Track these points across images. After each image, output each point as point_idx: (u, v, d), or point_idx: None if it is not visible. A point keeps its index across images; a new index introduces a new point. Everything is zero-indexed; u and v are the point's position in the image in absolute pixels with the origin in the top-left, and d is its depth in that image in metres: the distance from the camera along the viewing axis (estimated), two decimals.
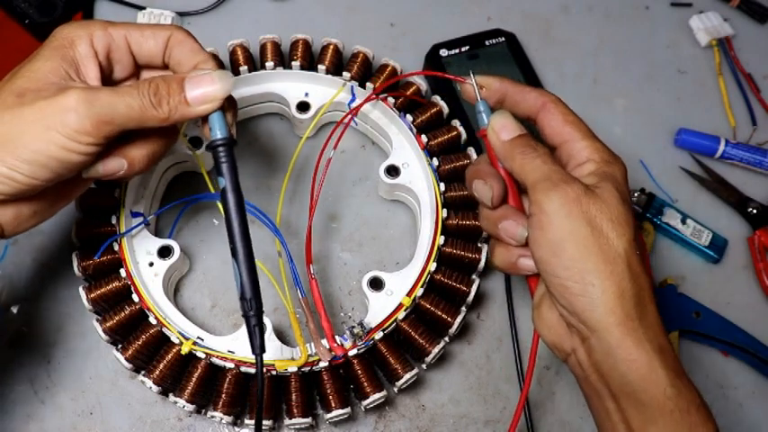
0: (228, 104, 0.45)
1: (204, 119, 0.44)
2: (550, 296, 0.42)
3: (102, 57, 0.44)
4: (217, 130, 0.43)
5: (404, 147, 0.62)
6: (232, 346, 0.52)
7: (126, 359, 0.52)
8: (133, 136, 0.44)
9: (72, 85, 0.41)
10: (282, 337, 0.56)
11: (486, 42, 0.70)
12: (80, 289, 0.54)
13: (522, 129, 0.45)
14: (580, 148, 0.43)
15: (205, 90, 0.42)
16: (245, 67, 0.63)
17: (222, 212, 0.44)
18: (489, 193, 0.44)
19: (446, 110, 0.63)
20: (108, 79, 0.46)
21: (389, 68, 0.64)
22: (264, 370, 0.51)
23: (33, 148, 0.39)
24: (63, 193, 0.46)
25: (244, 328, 0.53)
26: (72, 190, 0.47)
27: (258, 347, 0.44)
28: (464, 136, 0.62)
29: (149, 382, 0.51)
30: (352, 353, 0.52)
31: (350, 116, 0.62)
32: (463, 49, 0.69)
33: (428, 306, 0.55)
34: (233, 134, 0.45)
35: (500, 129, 0.44)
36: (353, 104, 0.63)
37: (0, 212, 0.42)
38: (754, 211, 0.67)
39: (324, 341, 0.52)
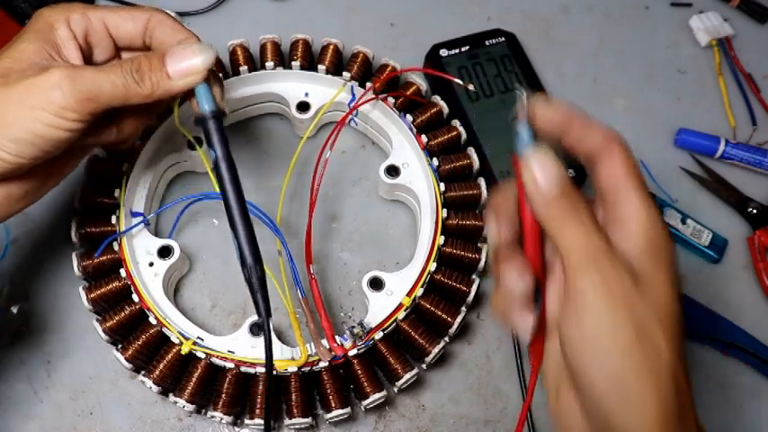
0: (214, 79, 0.45)
1: (192, 94, 0.44)
2: (570, 383, 0.36)
3: (81, 39, 0.44)
4: (204, 102, 0.43)
5: (404, 147, 0.62)
6: (232, 346, 0.52)
7: (126, 359, 0.52)
8: (120, 110, 0.44)
9: (55, 65, 0.41)
10: (282, 337, 0.56)
11: (486, 42, 0.70)
12: (80, 289, 0.54)
13: (566, 178, 0.37)
14: (634, 213, 0.35)
15: (186, 63, 0.43)
16: (245, 67, 0.63)
17: (216, 185, 0.45)
18: (496, 238, 0.38)
19: (446, 110, 0.63)
20: (89, 61, 0.46)
21: (389, 68, 0.64)
22: (264, 369, 0.51)
23: (19, 126, 0.39)
24: (52, 171, 0.46)
25: (244, 328, 0.53)
26: (61, 168, 0.46)
27: (264, 312, 0.44)
28: (464, 136, 0.62)
29: (149, 382, 0.51)
30: (352, 353, 0.52)
31: (345, 116, 0.62)
32: (463, 49, 0.69)
33: (428, 306, 0.55)
34: (222, 107, 0.45)
35: (539, 173, 0.37)
36: (357, 106, 0.63)
37: None
38: (754, 211, 0.67)
39: (324, 341, 0.52)
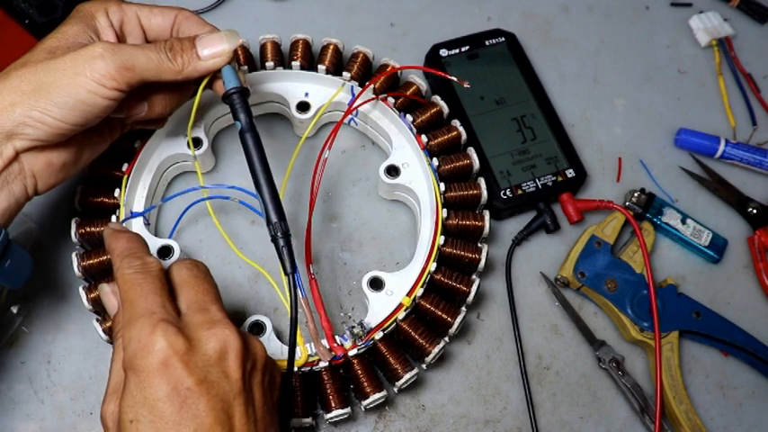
0: (237, 63, 0.52)
1: (216, 75, 0.50)
2: None
3: (117, 28, 0.50)
4: (230, 81, 0.50)
5: (404, 147, 0.62)
6: None
7: None
8: (152, 88, 0.50)
9: (97, 41, 0.47)
10: (282, 337, 0.56)
11: (486, 42, 0.70)
12: (80, 289, 0.54)
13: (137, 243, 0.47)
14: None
15: (214, 47, 0.49)
16: (245, 67, 0.63)
17: (243, 151, 0.50)
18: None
19: (446, 110, 0.63)
20: None
21: (389, 68, 0.64)
22: None
23: (64, 92, 0.44)
24: (89, 143, 0.50)
25: (244, 328, 0.53)
26: (97, 143, 0.51)
27: (290, 266, 0.47)
28: (464, 136, 0.62)
29: None
30: (352, 353, 0.52)
31: (345, 116, 0.62)
32: (463, 49, 0.69)
33: (428, 306, 0.55)
34: (244, 84, 0.51)
35: (113, 245, 0.46)
36: (353, 104, 0.63)
37: (33, 161, 0.46)
38: (754, 211, 0.67)
39: (324, 341, 0.52)
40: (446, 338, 0.55)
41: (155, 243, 0.56)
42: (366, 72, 0.65)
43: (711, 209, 0.68)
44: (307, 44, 0.65)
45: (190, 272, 0.45)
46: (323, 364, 0.52)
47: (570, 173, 0.64)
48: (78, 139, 0.48)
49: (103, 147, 0.52)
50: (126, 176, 0.58)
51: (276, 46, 0.65)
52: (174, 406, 0.38)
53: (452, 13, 0.75)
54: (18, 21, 0.70)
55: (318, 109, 0.63)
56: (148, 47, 0.47)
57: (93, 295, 0.54)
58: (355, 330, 0.53)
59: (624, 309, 0.60)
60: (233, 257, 0.61)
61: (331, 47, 0.64)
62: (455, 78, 0.60)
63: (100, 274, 0.55)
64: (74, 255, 0.55)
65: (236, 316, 0.59)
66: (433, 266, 0.56)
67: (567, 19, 0.76)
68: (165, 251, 0.56)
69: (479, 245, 0.58)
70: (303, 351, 0.52)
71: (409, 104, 0.63)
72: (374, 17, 0.74)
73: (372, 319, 0.54)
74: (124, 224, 0.57)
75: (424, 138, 0.61)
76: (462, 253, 0.57)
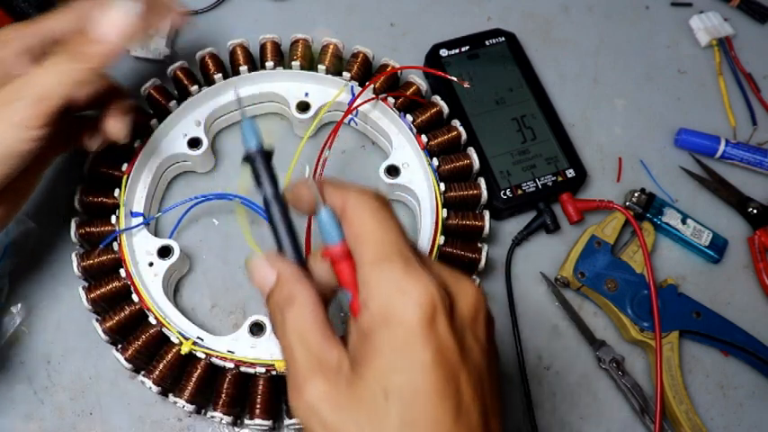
0: (124, 107, 0.48)
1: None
2: None
3: (29, 52, 0.46)
4: (249, 138, 0.39)
5: (404, 147, 0.62)
6: (232, 346, 0.52)
7: (126, 359, 0.52)
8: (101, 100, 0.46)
9: (8, 81, 0.42)
10: None
11: (486, 42, 0.70)
12: (80, 289, 0.54)
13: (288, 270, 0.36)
14: (364, 282, 0.33)
15: (105, 19, 0.42)
16: (245, 67, 0.63)
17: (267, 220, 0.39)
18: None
19: (446, 110, 0.63)
20: None
21: (389, 68, 0.64)
22: (264, 369, 0.51)
23: None
24: (20, 190, 0.47)
25: (244, 328, 0.53)
26: (26, 188, 0.48)
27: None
28: (464, 136, 0.62)
29: (149, 383, 0.51)
30: None
31: (345, 116, 0.62)
32: (463, 49, 0.69)
33: None
34: (264, 142, 0.39)
35: (261, 279, 0.36)
36: (352, 104, 0.63)
37: None
38: (755, 211, 0.67)
39: None
40: None
41: (154, 243, 0.56)
42: (366, 72, 0.65)
43: (711, 209, 0.68)
44: (307, 44, 0.65)
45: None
46: None
47: (570, 173, 0.64)
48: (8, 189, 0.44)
49: (36, 185, 0.49)
50: (126, 176, 0.58)
51: (276, 46, 0.64)
52: (439, 377, 0.31)
53: (452, 13, 0.75)
54: (18, 21, 0.70)
55: (319, 109, 0.63)
56: (50, 63, 0.41)
57: (92, 295, 0.54)
58: None
59: (624, 309, 0.60)
60: (233, 258, 0.61)
61: (331, 47, 0.64)
62: (455, 78, 0.60)
63: (100, 274, 0.55)
64: (74, 255, 0.55)
65: (237, 316, 0.59)
66: None
67: (567, 19, 0.76)
68: (164, 251, 0.56)
69: (479, 245, 0.58)
70: None
71: (409, 104, 0.63)
72: (374, 17, 0.74)
73: None
74: (123, 224, 0.57)
75: (424, 138, 0.61)
76: (462, 253, 0.57)
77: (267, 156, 0.39)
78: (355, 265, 0.34)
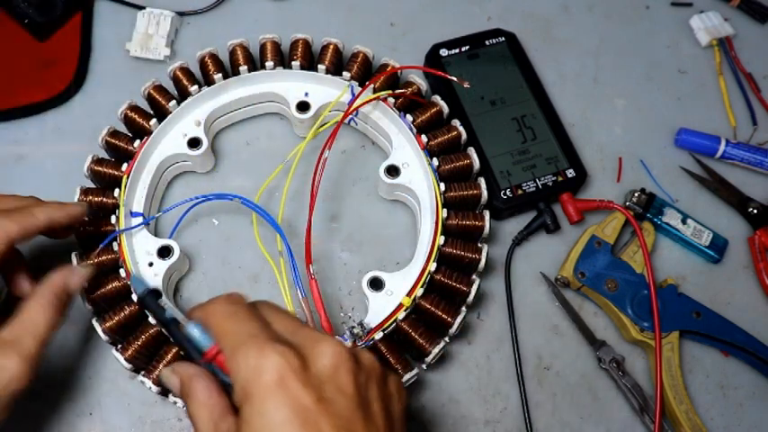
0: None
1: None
2: None
3: None
4: (136, 287, 0.48)
5: (404, 147, 0.62)
6: None
7: (126, 359, 0.52)
8: None
9: None
10: None
11: (486, 42, 0.70)
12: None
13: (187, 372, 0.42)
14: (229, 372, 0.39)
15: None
16: (245, 67, 0.63)
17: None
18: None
19: (446, 110, 0.63)
20: None
21: (389, 68, 0.64)
22: None
23: None
24: None
25: None
26: None
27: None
28: (464, 136, 0.62)
29: (149, 383, 0.51)
30: None
31: (345, 116, 0.62)
32: (463, 49, 0.69)
33: (428, 306, 0.55)
34: (148, 286, 0.47)
35: (174, 385, 0.42)
36: (352, 104, 0.63)
37: None
38: (755, 211, 0.66)
39: None
40: (446, 338, 0.55)
41: (154, 243, 0.56)
42: (366, 72, 0.64)
43: (712, 209, 0.68)
44: (307, 44, 0.65)
45: (267, 304, 0.43)
46: None
47: (570, 173, 0.64)
48: None
49: None
50: (125, 176, 0.58)
51: (276, 46, 0.64)
52: (296, 428, 0.35)
53: (452, 13, 0.75)
54: (18, 20, 0.70)
55: (319, 110, 0.63)
56: None
57: (92, 295, 0.54)
58: (355, 330, 0.53)
59: (624, 309, 0.60)
60: (232, 258, 0.61)
61: (331, 47, 0.64)
62: (455, 78, 0.60)
63: (100, 274, 0.55)
64: (73, 255, 0.55)
65: None
66: (433, 266, 0.56)
67: (567, 19, 0.76)
68: (164, 251, 0.56)
69: (479, 245, 0.58)
70: None
71: (409, 104, 0.63)
72: (374, 17, 0.74)
73: (372, 319, 0.54)
74: (123, 224, 0.56)
75: (424, 138, 0.61)
76: (462, 253, 0.57)
77: (157, 294, 0.47)
78: None
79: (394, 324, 0.54)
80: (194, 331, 0.42)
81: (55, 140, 0.66)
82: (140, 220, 0.57)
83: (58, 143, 0.66)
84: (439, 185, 0.59)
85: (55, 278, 0.48)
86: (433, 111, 0.63)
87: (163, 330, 0.52)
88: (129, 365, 0.52)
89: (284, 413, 0.35)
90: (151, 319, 0.53)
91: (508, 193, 0.63)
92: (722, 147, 0.68)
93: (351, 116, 0.64)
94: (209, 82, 0.63)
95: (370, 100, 0.62)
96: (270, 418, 0.35)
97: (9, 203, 0.49)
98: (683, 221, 0.65)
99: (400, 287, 0.56)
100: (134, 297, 0.52)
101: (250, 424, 0.36)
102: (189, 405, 0.40)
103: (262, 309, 0.42)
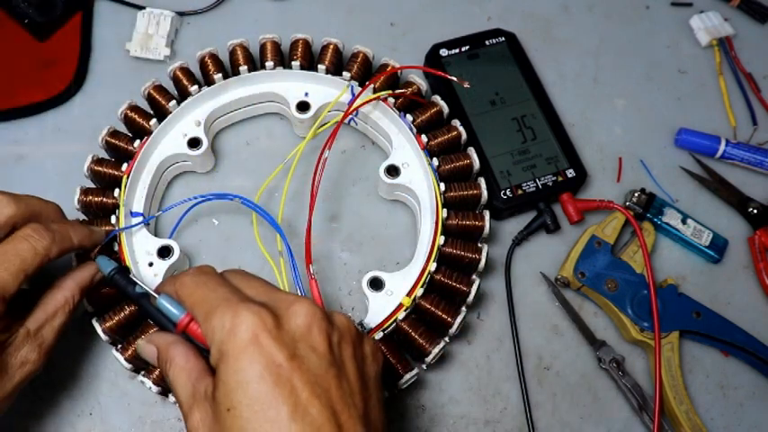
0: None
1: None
2: None
3: None
4: (105, 266, 0.49)
5: (404, 147, 0.62)
6: None
7: (126, 359, 0.52)
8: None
9: None
10: None
11: (486, 42, 0.70)
12: None
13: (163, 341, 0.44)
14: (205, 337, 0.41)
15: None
16: (245, 67, 0.63)
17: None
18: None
19: (446, 110, 0.63)
20: None
21: (389, 68, 0.64)
22: None
23: None
24: None
25: None
26: None
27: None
28: (464, 136, 0.62)
29: (149, 383, 0.51)
30: None
31: (345, 116, 0.62)
32: (463, 49, 0.69)
33: (428, 306, 0.55)
34: (114, 264, 0.50)
35: (149, 355, 0.45)
36: (352, 104, 0.63)
37: None
38: (755, 211, 0.66)
39: None
40: (446, 338, 0.55)
41: (154, 243, 0.56)
42: (366, 72, 0.64)
43: (712, 209, 0.68)
44: (307, 44, 0.65)
45: (237, 272, 0.45)
46: None
47: (570, 173, 0.64)
48: None
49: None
50: (125, 176, 0.58)
51: (276, 46, 0.64)
52: (269, 384, 0.36)
53: (452, 13, 0.75)
54: (18, 20, 0.70)
55: (320, 109, 0.63)
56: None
57: (93, 295, 0.54)
58: None
59: (624, 309, 0.60)
60: (232, 258, 0.61)
61: (331, 47, 0.64)
62: (455, 78, 0.60)
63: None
64: (73, 255, 0.55)
65: None
66: (433, 266, 0.56)
67: (567, 19, 0.76)
68: (164, 251, 0.56)
69: (479, 245, 0.58)
70: None
71: (409, 104, 0.63)
72: (374, 17, 0.74)
73: (372, 319, 0.54)
74: (123, 223, 0.56)
75: (424, 138, 0.61)
76: (462, 253, 0.57)
77: (126, 270, 0.50)
78: None
79: (394, 324, 0.54)
80: (165, 303, 0.44)
81: (55, 140, 0.66)
82: (140, 219, 0.57)
83: (58, 143, 0.66)
84: (439, 185, 0.59)
85: (83, 272, 0.50)
86: (433, 111, 0.63)
87: (134, 306, 0.53)
88: (129, 365, 0.52)
89: (257, 370, 0.37)
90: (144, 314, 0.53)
91: (508, 193, 0.63)
92: (722, 147, 0.68)
93: (351, 116, 0.64)
94: (209, 82, 0.63)
95: (370, 100, 0.62)
96: (244, 375, 0.37)
97: (42, 209, 0.49)
98: (683, 221, 0.65)
99: (400, 287, 0.56)
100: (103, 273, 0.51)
101: (225, 382, 0.37)
102: (168, 371, 0.42)
103: (232, 277, 0.44)
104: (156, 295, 0.45)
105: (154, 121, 0.60)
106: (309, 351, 0.39)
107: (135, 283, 0.48)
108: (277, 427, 0.36)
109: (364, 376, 0.41)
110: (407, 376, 0.53)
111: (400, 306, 0.54)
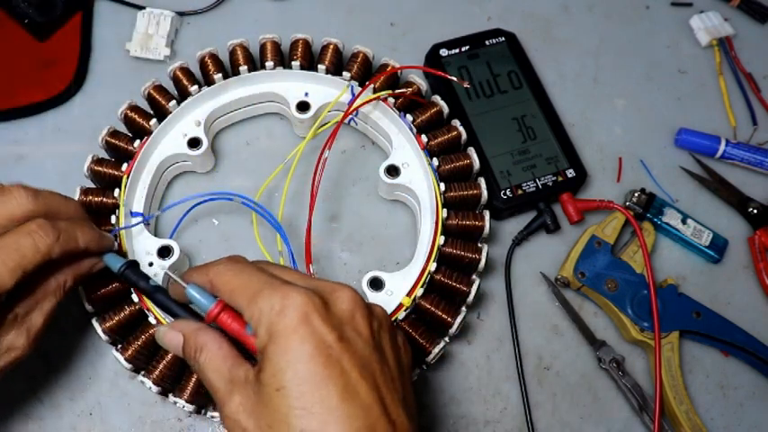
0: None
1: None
2: None
3: None
4: (115, 263, 0.49)
5: (404, 147, 0.62)
6: None
7: (126, 359, 0.52)
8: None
9: None
10: None
11: (486, 42, 0.70)
12: (80, 289, 0.54)
13: (187, 326, 0.43)
14: (249, 321, 0.40)
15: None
16: (245, 67, 0.63)
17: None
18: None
19: (446, 110, 0.63)
20: None
21: (389, 68, 0.64)
22: None
23: None
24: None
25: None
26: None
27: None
28: (464, 136, 0.62)
29: (149, 383, 0.51)
30: None
31: (345, 116, 0.62)
32: (463, 49, 0.69)
33: (428, 306, 0.55)
34: (126, 259, 0.49)
35: (171, 342, 0.44)
36: (352, 104, 0.63)
37: None
38: (755, 211, 0.67)
39: None
40: (446, 338, 0.55)
41: (154, 243, 0.56)
42: (366, 72, 0.64)
43: (712, 209, 0.68)
44: (307, 44, 0.65)
45: (269, 262, 0.45)
46: None
47: (570, 173, 0.64)
48: None
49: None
50: (125, 176, 0.58)
51: (276, 46, 0.64)
52: (319, 364, 0.37)
53: (452, 13, 0.75)
54: (18, 21, 0.70)
55: (320, 109, 0.63)
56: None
57: (93, 295, 0.54)
58: None
59: (624, 309, 0.60)
60: None
61: (331, 47, 0.64)
62: (455, 78, 0.60)
63: (99, 275, 0.55)
64: None
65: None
66: (433, 266, 0.56)
67: (567, 19, 0.76)
68: (164, 251, 0.56)
69: (479, 245, 0.58)
70: None
71: (409, 104, 0.63)
72: (374, 17, 0.74)
73: None
74: (123, 223, 0.56)
75: (424, 138, 0.61)
76: (462, 253, 0.57)
77: (135, 264, 0.49)
78: (237, 316, 0.42)
79: (394, 324, 0.54)
80: (195, 293, 0.43)
81: (55, 140, 0.66)
82: (140, 219, 0.57)
83: (58, 143, 0.66)
84: (439, 185, 0.59)
85: (84, 263, 0.49)
86: (433, 111, 0.63)
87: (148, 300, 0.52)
88: (129, 365, 0.52)
89: (308, 350, 0.37)
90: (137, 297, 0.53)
91: (508, 193, 0.63)
92: (722, 147, 0.68)
93: (351, 116, 0.64)
94: (209, 82, 0.63)
95: (370, 100, 0.62)
96: (294, 354, 0.37)
97: (60, 206, 0.47)
98: (683, 221, 0.65)
99: (400, 287, 0.56)
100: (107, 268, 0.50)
101: (275, 362, 0.37)
102: (199, 357, 0.41)
103: (267, 266, 0.44)
104: (184, 285, 0.44)
105: (154, 121, 0.60)
106: (355, 335, 0.39)
107: (147, 277, 0.48)
108: (326, 407, 0.36)
109: (401, 364, 0.42)
110: None
111: (400, 306, 0.54)
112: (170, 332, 0.44)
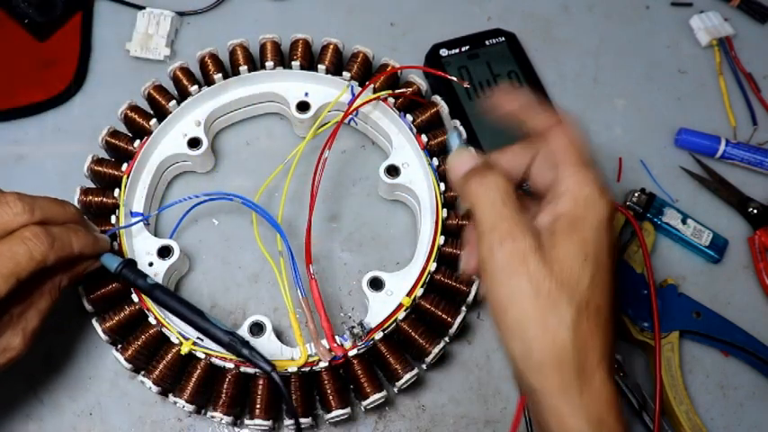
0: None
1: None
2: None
3: None
4: (111, 262, 0.50)
5: (404, 147, 0.62)
6: None
7: (126, 359, 0.52)
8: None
9: None
10: (282, 337, 0.56)
11: (487, 42, 0.70)
12: (80, 289, 0.54)
13: (479, 164, 0.44)
14: (566, 176, 0.41)
15: None
16: (245, 67, 0.63)
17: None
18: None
19: (446, 110, 0.63)
20: None
21: (389, 68, 0.64)
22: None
23: None
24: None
25: (244, 328, 0.53)
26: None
27: (267, 365, 0.47)
28: (464, 136, 0.62)
29: (149, 383, 0.51)
30: (351, 353, 0.52)
31: (345, 116, 0.62)
32: (463, 49, 0.69)
33: (428, 306, 0.55)
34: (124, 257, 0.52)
35: (459, 166, 0.44)
36: (353, 104, 0.63)
37: None
38: (755, 211, 0.66)
39: (324, 341, 0.52)
40: (446, 338, 0.55)
41: (154, 243, 0.56)
42: (366, 72, 0.65)
43: (712, 209, 0.68)
44: (307, 44, 0.65)
45: None
46: (323, 364, 0.52)
47: None
48: None
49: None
50: (125, 176, 0.58)
51: (276, 46, 0.64)
52: (611, 258, 0.40)
53: (452, 13, 0.75)
54: (18, 20, 0.70)
55: (320, 109, 0.63)
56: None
57: (93, 295, 0.54)
58: (355, 330, 0.53)
59: (624, 309, 0.60)
60: (232, 258, 0.61)
61: (331, 47, 0.64)
62: (455, 78, 0.60)
63: (99, 274, 0.55)
64: None
65: (237, 316, 0.59)
66: (433, 266, 0.56)
67: (567, 19, 0.76)
68: (164, 251, 0.56)
69: None
70: (303, 351, 0.52)
71: (409, 104, 0.63)
72: (374, 17, 0.74)
73: (372, 319, 0.54)
74: (123, 223, 0.56)
75: (424, 138, 0.61)
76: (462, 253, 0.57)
77: (132, 263, 0.50)
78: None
79: (394, 324, 0.54)
80: (455, 139, 0.47)
81: (55, 140, 0.66)
82: (139, 219, 0.57)
83: (58, 143, 0.66)
84: (439, 185, 0.59)
85: (80, 265, 0.49)
86: (432, 111, 0.63)
87: (147, 298, 0.52)
88: (129, 365, 0.52)
89: (609, 241, 0.40)
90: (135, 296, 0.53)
91: None
92: (722, 147, 0.68)
93: (351, 116, 0.64)
94: (209, 82, 0.63)
95: (370, 100, 0.62)
96: (603, 238, 0.40)
97: (56, 212, 0.47)
98: (683, 221, 0.65)
99: (400, 287, 0.56)
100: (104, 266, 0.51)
101: (585, 229, 0.39)
102: (484, 187, 0.42)
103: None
104: (451, 130, 0.47)
105: (154, 121, 0.60)
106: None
107: (145, 275, 0.48)
108: (607, 290, 0.39)
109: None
110: (407, 376, 0.53)
111: (400, 306, 0.54)
112: (467, 156, 0.45)
